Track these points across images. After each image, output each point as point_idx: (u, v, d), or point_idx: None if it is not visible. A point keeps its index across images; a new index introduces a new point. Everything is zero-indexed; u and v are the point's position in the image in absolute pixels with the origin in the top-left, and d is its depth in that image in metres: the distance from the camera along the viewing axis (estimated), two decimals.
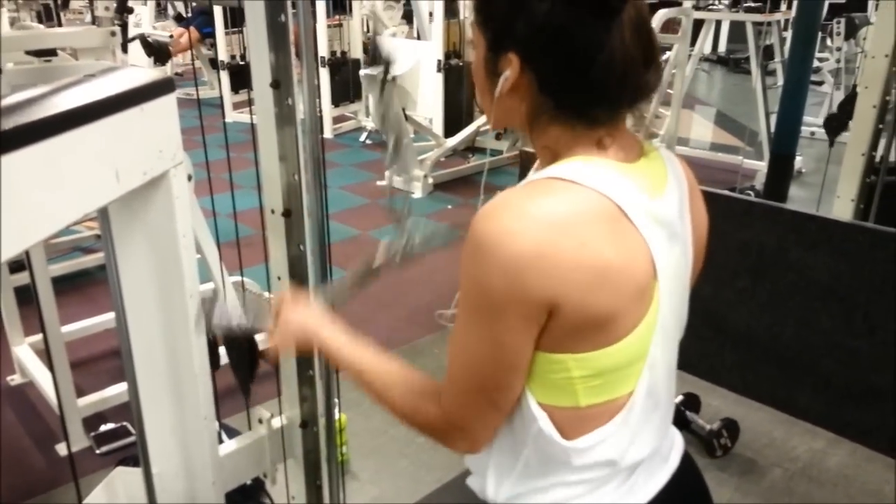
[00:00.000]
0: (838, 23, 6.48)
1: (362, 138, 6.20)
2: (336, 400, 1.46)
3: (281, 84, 1.25)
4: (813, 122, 5.96)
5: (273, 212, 1.36)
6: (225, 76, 6.35)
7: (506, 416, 0.79)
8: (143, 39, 4.13)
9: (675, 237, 0.78)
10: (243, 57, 6.32)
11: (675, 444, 0.91)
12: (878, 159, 3.12)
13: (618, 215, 0.72)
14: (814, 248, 2.38)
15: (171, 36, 4.68)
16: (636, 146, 0.80)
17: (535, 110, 0.77)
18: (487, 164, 5.33)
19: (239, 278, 2.35)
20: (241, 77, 6.29)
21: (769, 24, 5.55)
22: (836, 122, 3.85)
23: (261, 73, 1.26)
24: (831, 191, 3.32)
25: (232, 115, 6.26)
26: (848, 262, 2.32)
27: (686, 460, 0.91)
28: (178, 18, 5.35)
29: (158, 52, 4.22)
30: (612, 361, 0.74)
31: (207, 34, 6.43)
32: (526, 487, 0.82)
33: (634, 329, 0.74)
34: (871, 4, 6.91)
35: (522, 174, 3.38)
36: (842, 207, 3.19)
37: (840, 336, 2.38)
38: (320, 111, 1.28)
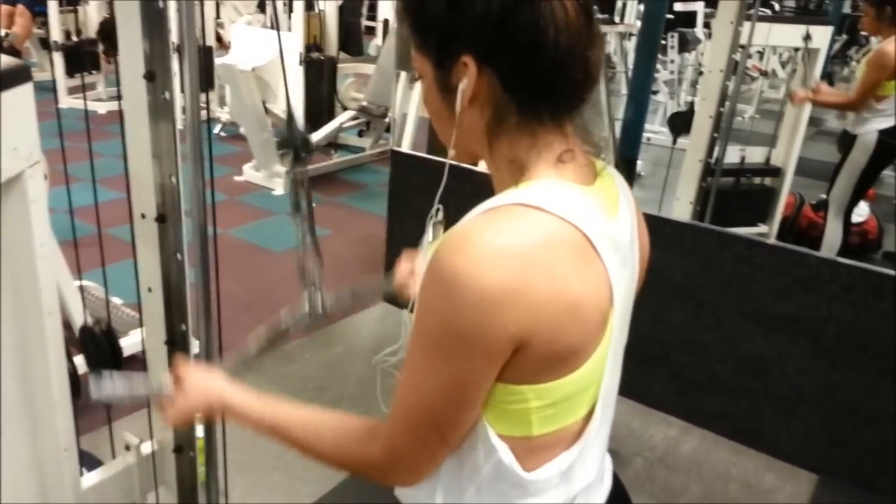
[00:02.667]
0: (672, 37, 7.03)
1: (216, 130, 5.89)
2: (220, 421, 1.36)
3: (156, 76, 1.13)
4: (650, 128, 6.43)
5: (144, 216, 1.23)
6: (59, 58, 5.78)
7: (454, 449, 0.76)
8: None
9: (627, 261, 0.78)
10: (79, 33, 5.78)
11: (607, 464, 0.92)
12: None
13: (584, 244, 0.70)
14: (668, 249, 2.54)
15: (7, 33, 4.22)
16: (591, 166, 0.79)
17: (498, 116, 0.74)
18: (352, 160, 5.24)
19: (79, 282, 2.15)
20: (76, 59, 5.75)
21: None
22: (678, 119, 4.19)
23: (132, 64, 1.13)
24: (670, 192, 3.60)
25: (66, 101, 5.72)
26: (699, 261, 2.51)
27: (616, 479, 0.92)
28: None
29: (8, 51, 3.80)
30: (569, 390, 0.73)
31: (39, 13, 5.82)
32: None
33: (591, 357, 0.73)
34: (699, 21, 7.53)
35: (394, 174, 3.35)
36: (681, 209, 3.46)
37: (691, 330, 2.57)
38: (207, 103, 1.18)
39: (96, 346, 1.29)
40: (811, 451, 2.38)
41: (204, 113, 1.27)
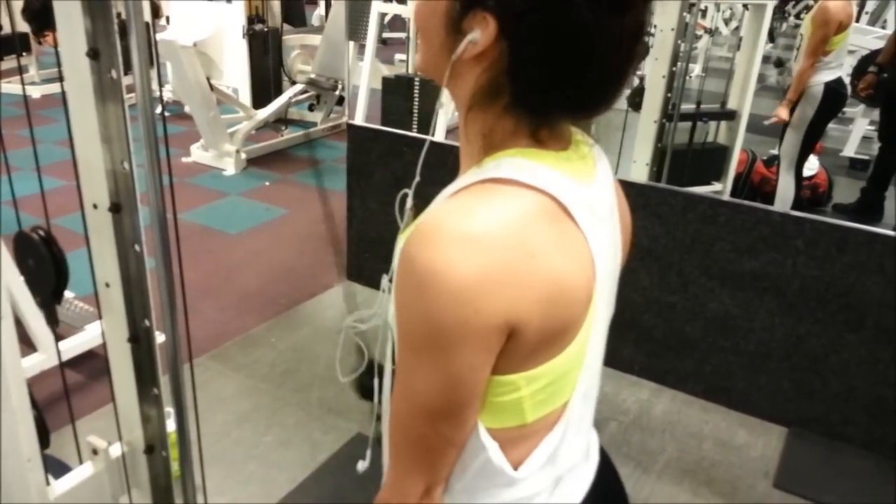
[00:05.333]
0: None
1: (158, 110, 5.65)
2: (195, 415, 1.29)
3: (101, 53, 1.04)
4: None
5: (96, 206, 1.15)
6: None
7: (462, 447, 0.71)
8: None
9: (609, 230, 0.73)
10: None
11: (593, 439, 0.89)
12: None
13: (561, 215, 0.64)
14: (632, 212, 2.52)
15: None
16: (567, 133, 0.73)
17: (488, 91, 0.67)
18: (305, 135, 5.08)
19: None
20: (5, 41, 5.44)
21: None
22: (639, 98, 4.17)
23: (72, 41, 1.04)
24: (625, 156, 3.59)
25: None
26: (663, 223, 2.51)
27: (602, 455, 0.89)
28: None
29: None
30: (558, 371, 0.69)
31: None
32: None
33: (578, 335, 0.69)
34: None
35: (351, 149, 3.26)
36: (638, 171, 3.46)
37: (658, 292, 2.58)
38: (160, 84, 1.09)
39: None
40: (781, 406, 2.43)
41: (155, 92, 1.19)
